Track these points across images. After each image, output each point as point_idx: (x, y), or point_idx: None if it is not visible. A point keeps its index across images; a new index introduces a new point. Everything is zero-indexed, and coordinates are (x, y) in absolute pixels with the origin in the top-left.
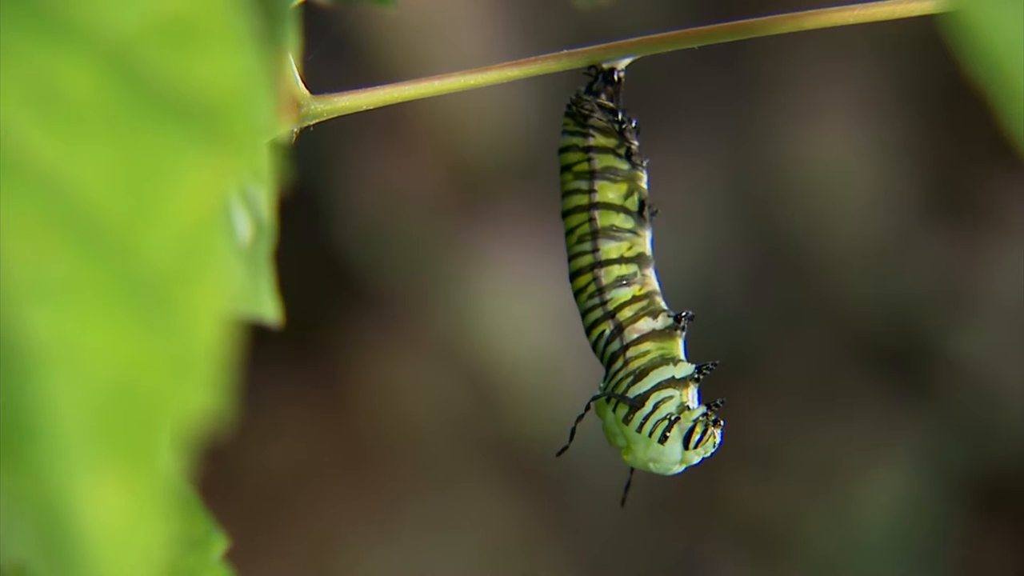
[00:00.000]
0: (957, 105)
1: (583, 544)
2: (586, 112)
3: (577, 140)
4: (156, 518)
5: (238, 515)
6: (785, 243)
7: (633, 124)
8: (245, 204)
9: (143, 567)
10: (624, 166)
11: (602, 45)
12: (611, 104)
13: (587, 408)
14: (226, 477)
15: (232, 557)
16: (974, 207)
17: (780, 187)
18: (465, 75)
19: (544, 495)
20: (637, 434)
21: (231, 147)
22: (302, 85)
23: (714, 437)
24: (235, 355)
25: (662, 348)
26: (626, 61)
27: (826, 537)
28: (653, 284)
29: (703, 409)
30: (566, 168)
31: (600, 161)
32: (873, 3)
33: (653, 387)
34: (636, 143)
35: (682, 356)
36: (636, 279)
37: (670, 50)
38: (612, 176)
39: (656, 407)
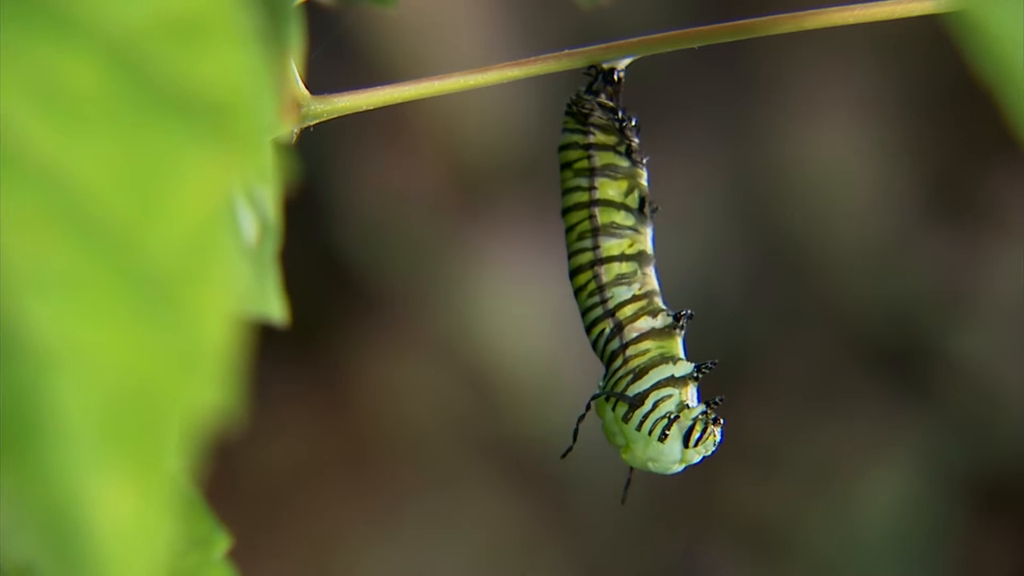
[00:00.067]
0: (957, 105)
1: (583, 544)
2: (586, 111)
3: (577, 138)
4: (164, 518)
5: (238, 514)
6: (785, 243)
7: (633, 122)
8: (251, 203)
9: (150, 567)
10: (624, 163)
11: (602, 45)
12: (611, 103)
13: (588, 408)
14: (226, 476)
15: (232, 556)
16: (974, 207)
17: (780, 187)
18: (465, 75)
19: (544, 495)
20: (636, 432)
21: (236, 145)
22: (302, 85)
23: (714, 435)
24: (242, 354)
25: (661, 347)
26: (626, 61)
27: (826, 537)
28: (653, 283)
29: (702, 407)
30: (566, 166)
31: (600, 158)
32: (873, 3)
33: (652, 385)
34: (636, 141)
35: (681, 355)
36: (636, 277)
37: (670, 50)
38: (612, 173)
39: (655, 405)
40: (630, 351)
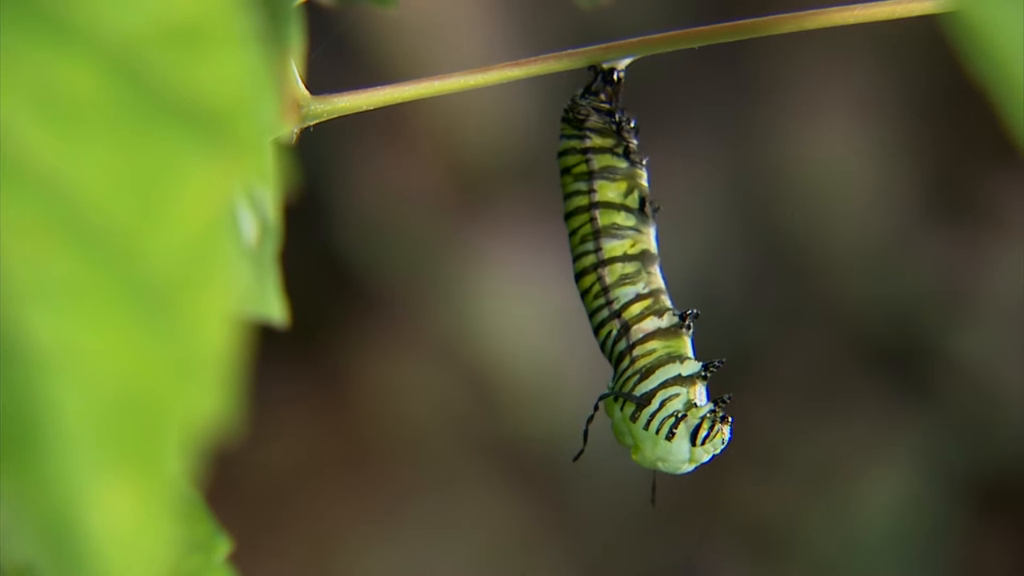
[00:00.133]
0: (957, 105)
1: (583, 544)
2: (582, 116)
3: (574, 143)
4: (163, 522)
5: (238, 515)
6: (785, 243)
7: (631, 123)
8: (251, 205)
9: (151, 570)
10: (623, 164)
11: (602, 45)
12: (607, 105)
13: (596, 408)
14: (226, 477)
15: (232, 557)
16: (974, 207)
17: (780, 187)
18: (465, 75)
19: (544, 495)
20: (644, 432)
21: (236, 151)
22: (303, 86)
23: (722, 433)
24: (242, 359)
25: (668, 346)
26: (626, 61)
27: (826, 537)
28: (658, 282)
29: (710, 406)
30: (565, 171)
31: (598, 161)
32: (873, 3)
33: (659, 385)
34: (635, 142)
35: (690, 354)
36: (640, 277)
37: (670, 50)
38: (611, 175)
39: (662, 404)
40: (637, 351)
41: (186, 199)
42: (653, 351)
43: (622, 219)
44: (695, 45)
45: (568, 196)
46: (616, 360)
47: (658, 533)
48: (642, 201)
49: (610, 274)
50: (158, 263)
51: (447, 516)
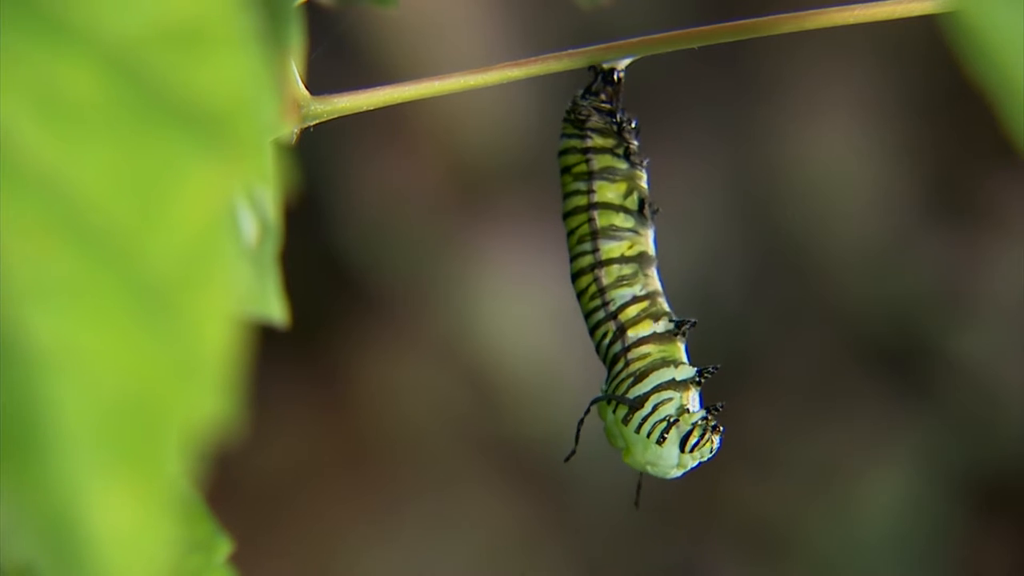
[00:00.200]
0: (957, 105)
1: (583, 544)
2: (583, 116)
3: (575, 142)
4: (164, 522)
5: (239, 514)
6: (785, 243)
7: (632, 124)
8: (251, 205)
9: (151, 571)
10: (623, 166)
11: (602, 45)
12: (608, 106)
13: (588, 411)
14: (226, 476)
15: (233, 557)
16: (974, 207)
17: (780, 187)
18: (465, 75)
19: (544, 495)
20: (635, 435)
21: (236, 152)
22: (302, 86)
23: (711, 442)
24: (242, 360)
25: (663, 351)
26: (626, 61)
27: (826, 537)
28: (655, 284)
29: (702, 413)
30: (565, 170)
31: (598, 162)
32: (873, 3)
33: (653, 389)
34: (635, 143)
35: (684, 359)
36: (637, 279)
37: (670, 50)
38: (610, 176)
39: (655, 408)
40: (632, 354)
41: (186, 199)
42: (648, 355)
43: (621, 220)
44: (695, 45)
45: (567, 196)
46: (610, 362)
47: (658, 533)
48: (641, 203)
49: (607, 275)
50: (158, 263)
51: (447, 516)
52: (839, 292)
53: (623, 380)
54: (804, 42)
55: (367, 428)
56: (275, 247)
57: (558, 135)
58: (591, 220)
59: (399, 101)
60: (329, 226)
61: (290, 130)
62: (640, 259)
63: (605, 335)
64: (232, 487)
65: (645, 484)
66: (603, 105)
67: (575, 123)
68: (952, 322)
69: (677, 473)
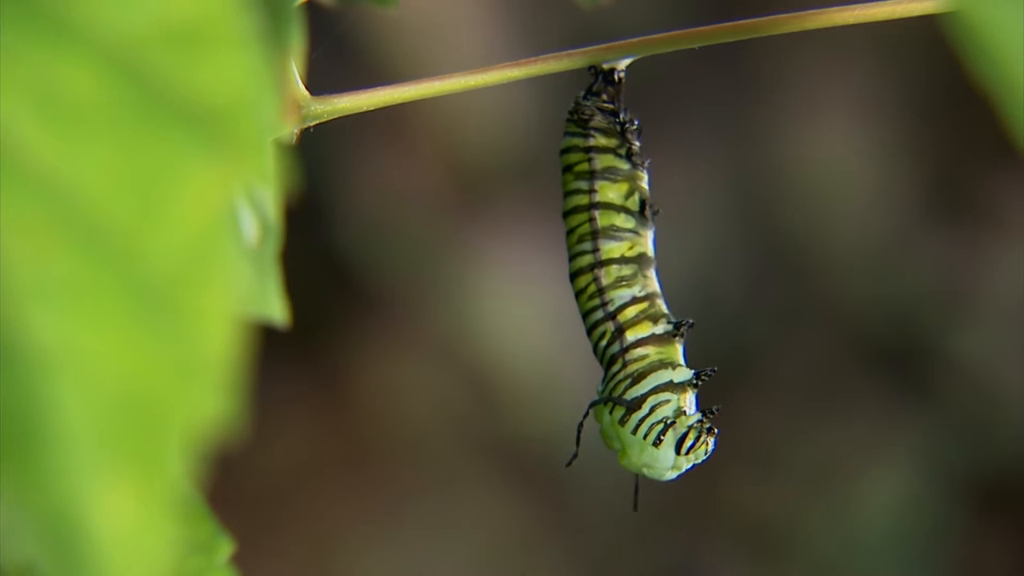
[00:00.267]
0: (957, 105)
1: (583, 544)
2: (586, 116)
3: (578, 141)
4: (165, 523)
5: (239, 514)
6: (785, 243)
7: (635, 125)
8: (251, 205)
9: (152, 571)
10: (625, 166)
11: (602, 45)
12: (611, 106)
13: (587, 414)
14: (227, 476)
15: (233, 557)
16: (974, 207)
17: (780, 187)
18: (465, 75)
19: (544, 495)
20: (632, 436)
21: (237, 151)
22: (303, 86)
23: (706, 444)
24: (243, 360)
25: (661, 352)
26: (626, 61)
27: (826, 537)
28: (654, 286)
29: (698, 416)
30: (567, 168)
31: (600, 161)
32: (873, 3)
33: (650, 390)
34: (637, 144)
35: (681, 361)
36: (636, 280)
37: (670, 50)
38: (612, 176)
39: (652, 410)
40: (629, 355)
41: (187, 199)
42: (646, 356)
43: (622, 221)
44: (695, 45)
45: (568, 194)
46: (608, 363)
47: (658, 533)
48: (642, 204)
49: (606, 275)
50: (159, 263)
51: (447, 516)
52: (839, 292)
53: (621, 381)
54: (804, 42)
55: (367, 428)
56: (275, 247)
57: (559, 135)
58: (592, 219)
59: (399, 101)
60: (329, 226)
61: (290, 130)
62: (640, 260)
63: (603, 335)
64: (232, 487)
65: (645, 484)
66: (606, 105)
67: (578, 122)
68: (952, 322)
69: (672, 475)
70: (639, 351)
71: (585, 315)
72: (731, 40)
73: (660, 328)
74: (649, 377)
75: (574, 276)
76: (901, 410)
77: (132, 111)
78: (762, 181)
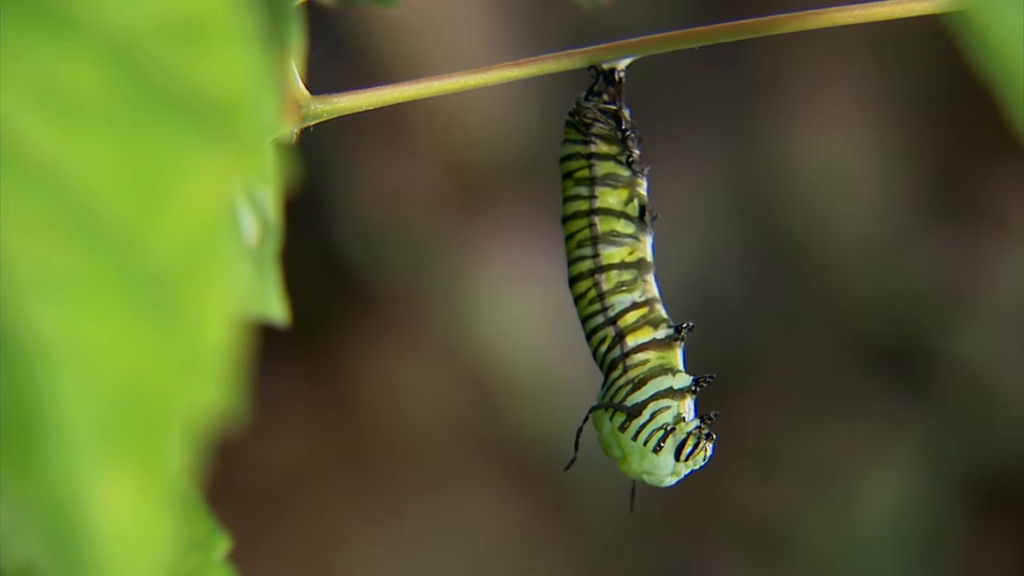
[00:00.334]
0: (957, 105)
1: (583, 544)
2: (588, 121)
3: (579, 148)
4: (165, 517)
5: (239, 514)
6: (785, 243)
7: (635, 133)
8: (251, 204)
9: (151, 566)
10: (625, 173)
11: (602, 45)
12: (613, 108)
13: (586, 419)
14: (227, 476)
15: (233, 556)
16: (974, 207)
17: (780, 187)
18: (465, 75)
19: (544, 495)
20: (632, 443)
21: (237, 146)
22: (303, 85)
23: (705, 450)
24: (243, 355)
25: (662, 358)
26: (626, 61)
27: (826, 537)
28: (653, 291)
29: (697, 422)
30: (567, 175)
31: (601, 168)
32: (873, 3)
33: (651, 396)
34: (638, 151)
35: (681, 367)
36: (636, 285)
37: (670, 50)
38: (613, 183)
39: (653, 416)
40: (630, 361)
41: (188, 192)
42: (646, 362)
43: (622, 226)
44: (695, 45)
45: (568, 200)
46: (608, 368)
47: (658, 533)
48: (642, 210)
49: (607, 280)
50: (160, 256)
51: (447, 516)
52: (839, 292)
53: (621, 387)
54: (804, 42)
55: (367, 428)
56: (275, 246)
57: (559, 135)
58: (592, 225)
59: (399, 101)
60: (329, 226)
61: (290, 129)
62: (639, 265)
63: (603, 341)
64: (232, 486)
65: (645, 484)
66: (607, 107)
67: (579, 127)
68: (952, 322)
69: (672, 482)
70: (640, 356)
71: (584, 320)
72: (731, 40)
73: (661, 333)
74: (650, 383)
75: (573, 281)
76: (901, 410)
77: (133, 105)
78: (762, 181)
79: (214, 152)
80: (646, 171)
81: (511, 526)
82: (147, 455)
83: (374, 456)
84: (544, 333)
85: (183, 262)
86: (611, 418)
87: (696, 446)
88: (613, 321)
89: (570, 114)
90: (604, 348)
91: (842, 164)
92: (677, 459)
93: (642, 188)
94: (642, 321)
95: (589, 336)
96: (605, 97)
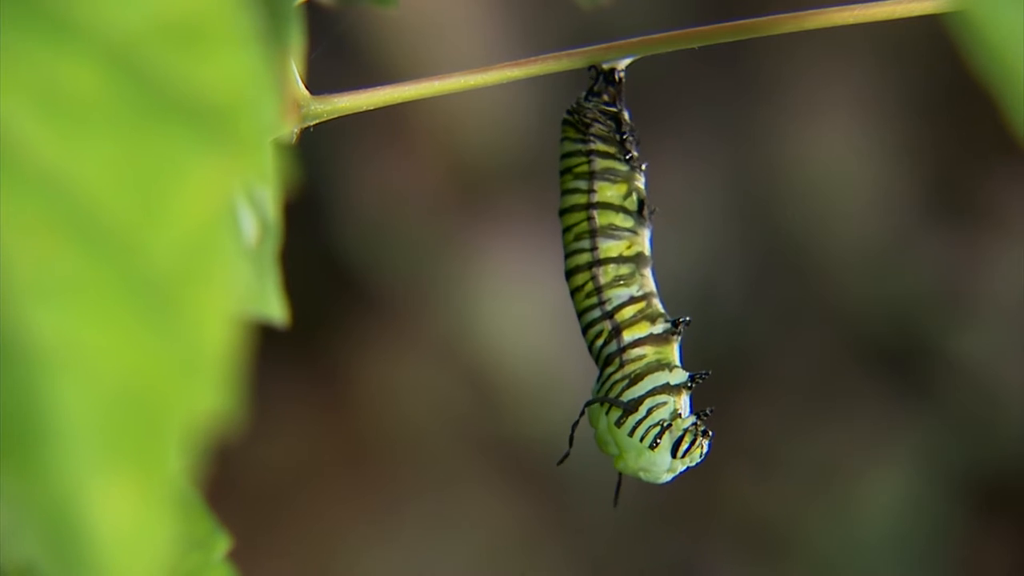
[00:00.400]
0: (957, 105)
1: (583, 544)
2: (588, 120)
3: (578, 146)
4: (164, 518)
5: (238, 514)
6: (785, 243)
7: (634, 135)
8: (251, 204)
9: (151, 567)
10: (623, 168)
11: (602, 45)
12: (613, 109)
13: (582, 413)
14: (226, 476)
15: (233, 556)
16: (974, 207)
17: (780, 187)
18: (465, 75)
19: (544, 495)
20: (628, 439)
21: (237, 148)
22: (302, 86)
23: (701, 447)
24: (243, 357)
25: (659, 353)
26: (626, 61)
27: (826, 537)
28: (650, 285)
29: (693, 419)
30: (566, 171)
31: (600, 163)
32: (873, 3)
33: (648, 392)
34: (636, 152)
35: (677, 362)
36: (634, 279)
37: (670, 50)
38: (612, 177)
39: (649, 412)
40: (627, 356)
41: (187, 195)
42: (643, 357)
43: (620, 220)
44: (695, 45)
45: (565, 193)
46: (604, 362)
47: (658, 533)
48: (640, 204)
49: (604, 274)
50: (159, 259)
51: (447, 516)
52: (839, 292)
53: (617, 382)
54: (804, 42)
55: (367, 428)
56: (275, 247)
57: (558, 133)
58: (590, 218)
59: (399, 101)
60: (329, 226)
61: (290, 129)
62: (637, 259)
63: (599, 334)
64: (232, 487)
65: (645, 484)
66: (607, 108)
67: (578, 127)
68: (952, 322)
69: (668, 478)
70: (636, 351)
71: (581, 314)
72: (731, 40)
73: (658, 328)
74: (646, 379)
75: (570, 274)
76: (901, 410)
77: (132, 108)
78: (762, 181)
79: (213, 155)
80: (644, 167)
81: (511, 526)
82: (147, 457)
83: (374, 456)
84: (544, 333)
85: (182, 265)
86: (607, 413)
87: (692, 443)
88: (610, 315)
89: (569, 112)
90: (600, 342)
91: (842, 164)
92: (673, 456)
93: (640, 183)
94: (639, 316)
95: (585, 330)
96: (605, 97)
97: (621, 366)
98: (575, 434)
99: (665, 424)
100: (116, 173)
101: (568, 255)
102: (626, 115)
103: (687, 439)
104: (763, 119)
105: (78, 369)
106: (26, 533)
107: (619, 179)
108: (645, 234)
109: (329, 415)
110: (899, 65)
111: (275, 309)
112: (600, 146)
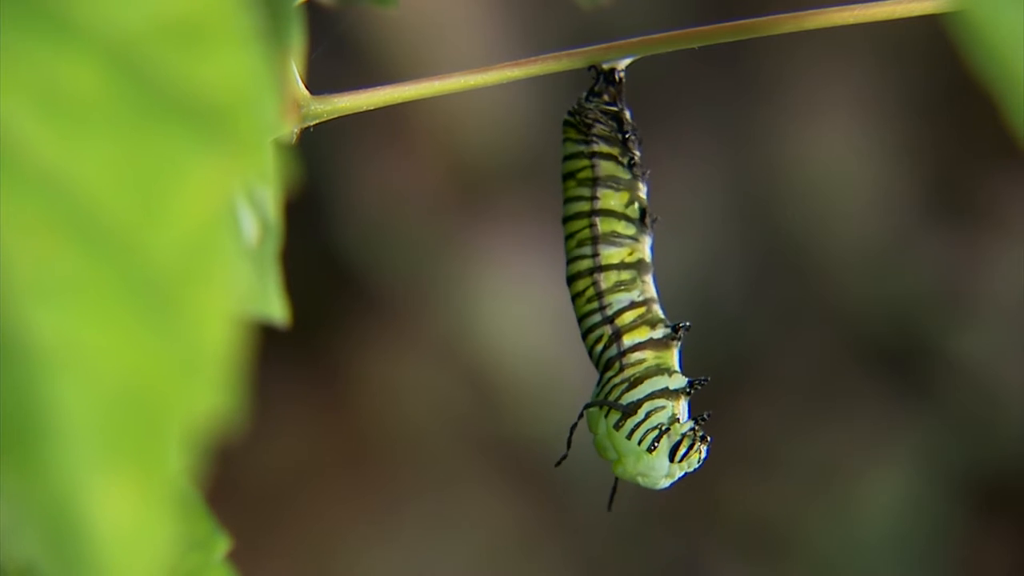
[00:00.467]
0: (957, 105)
1: (582, 544)
2: (589, 121)
3: (581, 147)
4: (164, 519)
5: (239, 515)
6: (785, 243)
7: (636, 135)
8: (251, 204)
9: (151, 567)
10: (626, 175)
11: (602, 45)
12: (614, 109)
13: (580, 416)
14: (227, 476)
15: (232, 557)
16: (974, 207)
17: (780, 187)
18: (465, 75)
19: (544, 495)
20: (627, 443)
21: (237, 148)
22: (302, 86)
23: (699, 452)
24: (243, 357)
25: (658, 357)
26: (626, 61)
27: (826, 537)
28: (651, 291)
29: (691, 424)
30: (569, 175)
31: (603, 168)
32: (873, 3)
33: (646, 396)
34: (639, 153)
35: (677, 367)
36: (635, 285)
37: (670, 50)
38: (615, 184)
39: (648, 416)
40: (627, 360)
41: (188, 195)
42: (643, 361)
43: (622, 228)
44: (695, 45)
45: (569, 201)
46: (604, 367)
47: (658, 533)
48: (642, 212)
49: (605, 280)
50: (160, 259)
51: (447, 516)
52: (839, 292)
53: (616, 386)
54: (804, 42)
55: (367, 428)
56: (275, 246)
57: (559, 136)
58: (592, 225)
59: (399, 101)
60: (329, 226)
61: (290, 129)
62: (639, 266)
63: (600, 339)
64: (232, 487)
65: (640, 485)
66: (608, 108)
67: (580, 127)
68: (952, 322)
69: (666, 484)
70: (636, 356)
71: (582, 319)
72: (731, 40)
73: (658, 333)
74: (645, 383)
75: (572, 280)
76: (901, 410)
77: (132, 108)
78: (762, 181)
79: (213, 154)
80: (647, 174)
81: (511, 526)
82: (147, 457)
83: (374, 456)
84: (544, 333)
85: (183, 265)
86: (606, 416)
87: (691, 448)
88: (610, 320)
89: (570, 113)
90: (600, 347)
91: (842, 164)
92: (671, 460)
93: (643, 192)
94: (639, 320)
95: (585, 334)
96: (606, 97)
97: (621, 370)
98: (574, 435)
99: (663, 428)
100: (116, 173)
101: (570, 261)
102: (627, 115)
103: (685, 443)
104: (763, 119)
105: (78, 369)
106: (26, 532)
107: (622, 187)
108: (646, 241)
109: (329, 415)
110: (899, 65)
111: (276, 309)
112: (603, 147)
